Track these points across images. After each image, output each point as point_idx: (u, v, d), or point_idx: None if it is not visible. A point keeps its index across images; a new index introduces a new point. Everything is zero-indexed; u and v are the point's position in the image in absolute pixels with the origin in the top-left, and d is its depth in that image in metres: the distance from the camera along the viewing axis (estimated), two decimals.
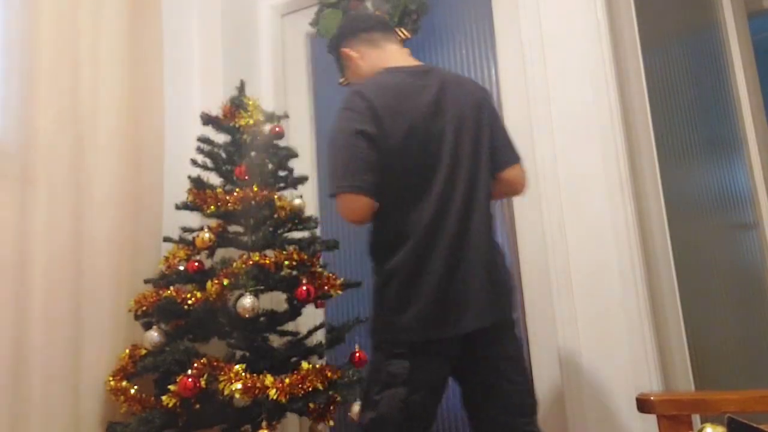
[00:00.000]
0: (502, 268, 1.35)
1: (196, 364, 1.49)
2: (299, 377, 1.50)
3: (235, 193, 1.73)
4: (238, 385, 1.43)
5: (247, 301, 1.55)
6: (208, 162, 1.86)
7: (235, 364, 1.49)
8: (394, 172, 1.26)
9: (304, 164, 2.24)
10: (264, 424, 1.47)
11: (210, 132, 1.90)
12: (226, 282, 1.58)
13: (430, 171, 1.28)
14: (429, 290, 1.22)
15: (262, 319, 1.69)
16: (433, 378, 1.25)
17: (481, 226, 1.30)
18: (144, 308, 1.65)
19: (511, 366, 1.32)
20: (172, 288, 1.64)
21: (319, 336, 1.86)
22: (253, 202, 1.74)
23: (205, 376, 1.47)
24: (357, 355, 1.73)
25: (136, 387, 1.61)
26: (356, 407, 1.60)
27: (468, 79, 1.50)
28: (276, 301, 1.89)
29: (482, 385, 1.31)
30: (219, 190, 1.75)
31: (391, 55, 1.44)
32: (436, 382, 1.27)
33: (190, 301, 1.59)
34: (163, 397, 1.48)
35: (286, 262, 1.65)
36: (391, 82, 1.32)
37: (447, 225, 1.26)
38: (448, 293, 1.23)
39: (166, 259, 1.75)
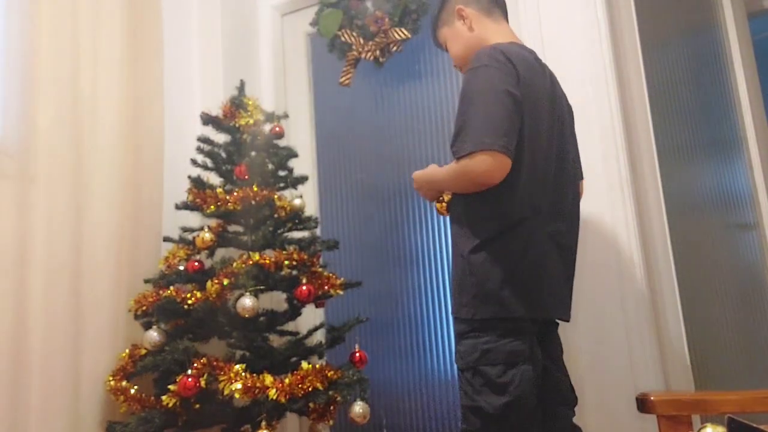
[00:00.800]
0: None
1: (195, 364, 1.48)
2: (299, 377, 1.50)
3: (235, 193, 1.73)
4: (238, 385, 1.43)
5: (247, 301, 1.55)
6: (208, 162, 1.86)
7: (235, 364, 1.49)
8: (525, 148, 1.17)
9: (304, 164, 2.24)
10: (264, 424, 1.46)
11: (210, 132, 1.90)
12: (226, 282, 1.58)
13: (548, 157, 1.23)
14: (537, 273, 1.19)
15: (262, 319, 1.69)
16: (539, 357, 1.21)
17: (576, 227, 1.32)
18: (144, 308, 1.65)
19: (557, 363, 1.35)
20: (172, 288, 1.64)
21: (319, 336, 1.86)
22: (253, 202, 1.74)
23: (205, 376, 1.47)
24: (357, 355, 1.73)
25: (135, 387, 1.61)
26: (356, 407, 1.60)
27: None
28: (276, 301, 1.89)
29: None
30: (219, 190, 1.75)
31: (505, 31, 1.34)
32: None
33: (190, 301, 1.58)
34: (163, 397, 1.48)
35: (286, 262, 1.65)
36: (524, 55, 1.22)
37: (559, 217, 1.25)
38: (545, 279, 1.20)
39: (166, 259, 1.75)
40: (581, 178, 1.45)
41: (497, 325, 1.15)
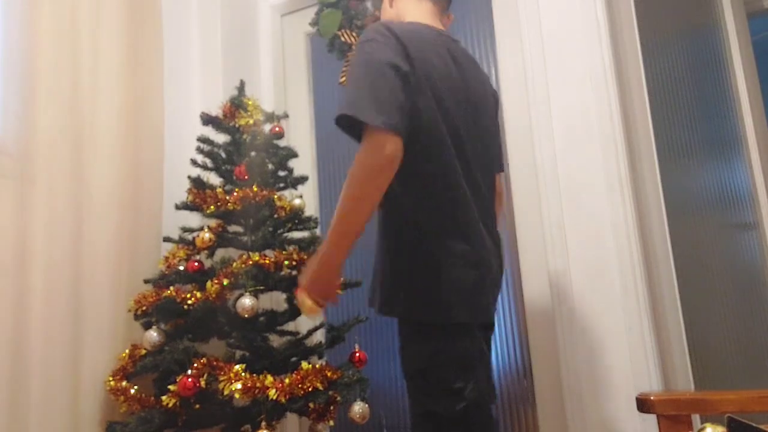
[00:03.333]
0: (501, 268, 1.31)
1: (195, 364, 1.49)
2: (299, 377, 1.50)
3: (235, 193, 1.73)
4: (238, 385, 1.43)
5: (247, 301, 1.55)
6: (208, 162, 1.86)
7: (235, 364, 1.49)
8: (423, 124, 1.09)
9: (304, 164, 2.25)
10: (264, 424, 1.46)
11: (210, 132, 1.90)
12: (225, 282, 1.58)
13: (456, 139, 1.14)
14: (471, 274, 1.12)
15: (261, 319, 1.69)
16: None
17: (493, 217, 1.26)
18: (144, 308, 1.65)
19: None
20: (171, 288, 1.64)
21: (319, 336, 1.86)
22: (253, 202, 1.74)
23: (205, 376, 1.47)
24: (357, 355, 1.73)
25: (135, 387, 1.61)
26: (356, 407, 1.60)
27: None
28: (276, 301, 1.89)
29: None
30: (219, 190, 1.75)
31: (423, 11, 1.28)
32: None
33: (189, 301, 1.58)
34: (163, 397, 1.48)
35: (286, 262, 1.65)
36: (421, 33, 1.17)
37: (478, 209, 1.17)
38: (485, 279, 1.15)
39: (166, 259, 1.75)
40: (498, 170, 1.36)
41: (435, 330, 1.11)
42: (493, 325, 1.29)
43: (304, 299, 1.15)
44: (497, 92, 1.38)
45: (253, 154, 1.88)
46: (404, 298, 1.12)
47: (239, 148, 1.86)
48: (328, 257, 1.09)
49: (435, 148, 1.12)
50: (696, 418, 1.49)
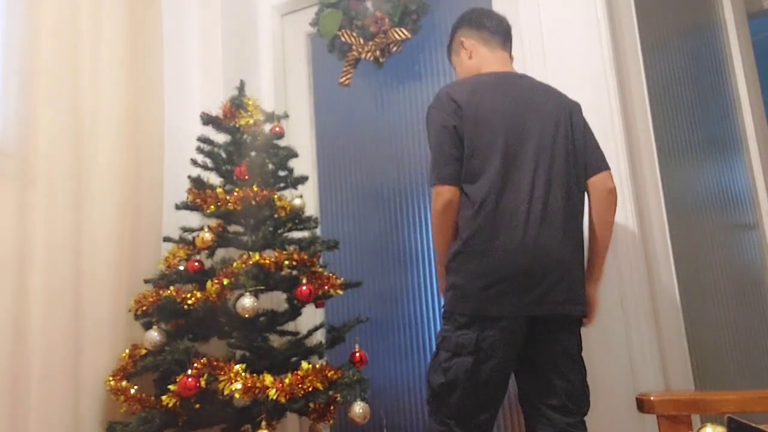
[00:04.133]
0: (573, 265, 1.36)
1: (196, 364, 1.48)
2: (299, 377, 1.50)
3: (235, 193, 1.73)
4: (238, 385, 1.43)
5: (247, 301, 1.55)
6: (208, 162, 1.86)
7: (235, 364, 1.49)
8: (475, 153, 1.36)
9: (304, 164, 2.24)
10: (264, 424, 1.46)
11: (210, 132, 1.90)
12: (226, 282, 1.58)
13: (510, 160, 1.36)
14: (498, 268, 1.30)
15: (262, 319, 1.69)
16: (499, 353, 1.30)
17: (557, 221, 1.35)
18: (144, 308, 1.65)
19: (557, 366, 1.35)
20: (172, 288, 1.64)
21: (319, 336, 1.86)
22: (253, 202, 1.74)
23: (205, 376, 1.47)
24: (357, 355, 1.73)
25: (136, 387, 1.61)
26: (356, 407, 1.60)
27: (556, 90, 1.54)
28: (276, 301, 1.89)
29: (535, 377, 1.36)
30: (219, 190, 1.75)
31: (498, 59, 1.52)
32: (501, 360, 1.31)
33: (190, 301, 1.58)
34: (163, 397, 1.48)
35: (286, 262, 1.65)
36: (477, 80, 1.45)
37: (528, 210, 1.33)
38: (516, 275, 1.29)
39: (166, 259, 1.75)
40: (605, 168, 1.45)
41: (450, 317, 1.35)
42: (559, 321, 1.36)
43: None
44: (575, 102, 1.53)
45: (253, 154, 1.88)
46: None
47: (239, 148, 1.86)
48: (437, 265, 1.47)
49: (480, 170, 1.36)
50: (696, 418, 1.49)
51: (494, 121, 1.37)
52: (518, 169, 1.35)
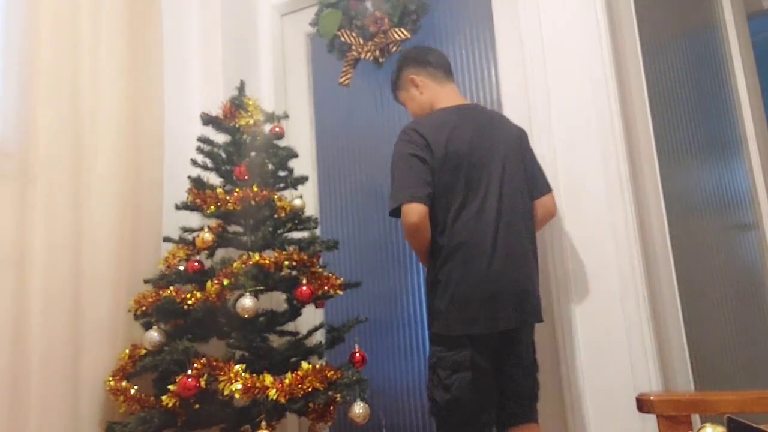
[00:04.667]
0: (531, 279, 1.51)
1: (195, 364, 1.48)
2: (299, 377, 1.50)
3: (235, 193, 1.73)
4: (238, 385, 1.43)
5: (247, 301, 1.55)
6: (208, 162, 1.86)
7: (235, 364, 1.49)
8: (444, 189, 1.46)
9: (304, 164, 2.25)
10: (263, 424, 1.46)
11: (210, 132, 1.90)
12: (226, 282, 1.58)
13: (474, 191, 1.47)
14: (477, 292, 1.42)
15: (261, 319, 1.69)
16: (486, 364, 1.45)
17: (518, 239, 1.49)
18: (144, 308, 1.65)
19: (520, 371, 1.52)
20: (171, 288, 1.64)
21: (319, 336, 1.86)
22: (253, 202, 1.74)
23: (205, 376, 1.47)
24: (357, 355, 1.73)
25: (135, 387, 1.61)
26: (356, 407, 1.60)
27: (506, 118, 1.68)
28: (276, 301, 1.89)
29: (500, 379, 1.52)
30: (219, 190, 1.75)
31: (448, 93, 1.64)
32: (488, 368, 1.46)
33: (189, 301, 1.58)
34: (163, 397, 1.48)
35: (286, 263, 1.65)
36: (439, 120, 1.54)
37: (494, 234, 1.45)
38: (490, 295, 1.43)
39: (166, 259, 1.75)
40: (548, 191, 1.63)
41: (440, 340, 1.46)
42: (506, 334, 1.49)
43: None
44: (524, 130, 1.67)
45: (253, 154, 1.88)
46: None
47: (239, 148, 1.86)
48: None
49: (448, 203, 1.47)
50: (696, 418, 1.49)
51: (460, 156, 1.48)
52: (485, 199, 1.47)
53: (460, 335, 1.42)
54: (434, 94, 1.64)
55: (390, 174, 1.51)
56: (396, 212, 1.47)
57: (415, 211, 1.42)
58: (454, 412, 1.42)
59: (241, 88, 1.95)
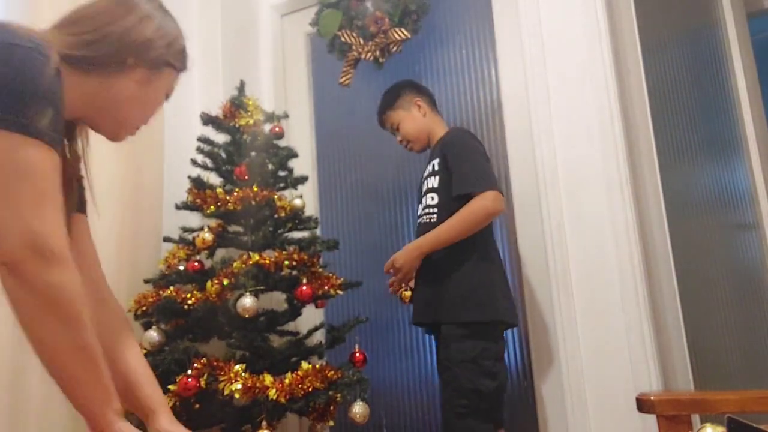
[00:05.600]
0: None
1: (195, 364, 1.49)
2: (299, 377, 1.50)
3: (235, 193, 1.73)
4: (238, 385, 1.43)
5: (247, 301, 1.55)
6: (208, 162, 1.86)
7: (235, 364, 1.49)
8: None
9: (304, 164, 2.24)
10: (264, 424, 1.46)
11: (210, 132, 1.90)
12: (226, 282, 1.58)
13: None
14: (507, 286, 1.61)
15: (262, 319, 1.69)
16: None
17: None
18: (144, 308, 1.65)
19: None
20: (172, 288, 1.64)
21: (319, 336, 1.86)
22: (253, 202, 1.74)
23: (205, 376, 1.47)
24: (357, 355, 1.73)
25: None
26: (356, 407, 1.60)
27: None
28: (276, 301, 1.89)
29: None
30: (219, 190, 1.75)
31: (442, 121, 1.83)
32: None
33: (190, 301, 1.58)
34: None
35: (286, 262, 1.65)
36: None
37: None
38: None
39: (166, 259, 1.75)
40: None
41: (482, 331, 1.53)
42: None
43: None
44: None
45: (253, 154, 1.88)
46: None
47: (239, 148, 1.86)
48: (428, 246, 1.60)
49: None
50: (696, 418, 1.49)
51: None
52: None
53: (496, 323, 1.54)
54: (435, 123, 1.79)
55: (462, 158, 1.61)
56: (465, 196, 1.56)
57: (501, 202, 1.56)
58: (496, 399, 1.51)
59: (241, 88, 1.95)
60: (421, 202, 1.73)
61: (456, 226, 1.55)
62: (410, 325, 1.94)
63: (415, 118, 1.78)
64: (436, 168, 1.67)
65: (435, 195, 1.65)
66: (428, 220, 1.64)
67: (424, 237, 1.61)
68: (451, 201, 1.59)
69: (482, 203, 1.53)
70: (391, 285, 1.70)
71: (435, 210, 1.64)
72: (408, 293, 1.70)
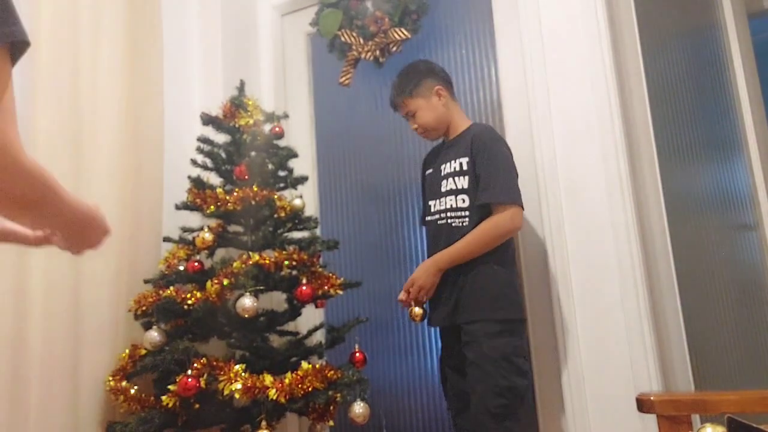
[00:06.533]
0: None
1: (195, 364, 1.48)
2: (299, 377, 1.50)
3: (235, 193, 1.73)
4: (238, 385, 1.43)
5: (247, 301, 1.55)
6: (208, 162, 1.86)
7: (235, 364, 1.49)
8: None
9: (304, 164, 2.24)
10: (264, 424, 1.46)
11: (210, 132, 1.90)
12: (226, 282, 1.58)
13: None
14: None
15: (262, 319, 1.69)
16: None
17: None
18: (144, 308, 1.65)
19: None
20: (172, 288, 1.64)
21: (319, 336, 1.86)
22: (253, 202, 1.74)
23: (205, 376, 1.47)
24: (357, 355, 1.73)
25: (135, 387, 1.60)
26: (356, 407, 1.60)
27: None
28: (276, 301, 1.89)
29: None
30: (219, 190, 1.75)
31: (462, 112, 1.79)
32: None
33: (190, 301, 1.58)
34: (163, 397, 1.48)
35: (286, 262, 1.65)
36: None
37: None
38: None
39: (166, 259, 1.75)
40: None
41: (513, 327, 1.55)
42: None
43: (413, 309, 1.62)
44: None
45: (253, 154, 1.88)
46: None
47: (239, 148, 1.86)
48: (446, 263, 1.59)
49: None
50: (696, 419, 1.49)
51: None
52: None
53: (523, 320, 1.61)
54: (455, 111, 1.74)
55: (491, 165, 1.58)
56: (487, 204, 1.57)
57: (520, 219, 1.58)
58: (526, 396, 1.53)
59: (241, 88, 1.95)
60: (438, 199, 1.66)
61: (474, 242, 1.55)
62: (410, 324, 1.94)
63: (435, 108, 1.71)
64: (465, 167, 1.61)
65: (466, 197, 1.60)
66: (460, 224, 1.60)
67: (442, 254, 1.59)
68: (478, 206, 1.58)
69: (500, 221, 1.54)
70: (403, 300, 1.64)
71: (467, 214, 1.59)
72: (419, 311, 1.62)
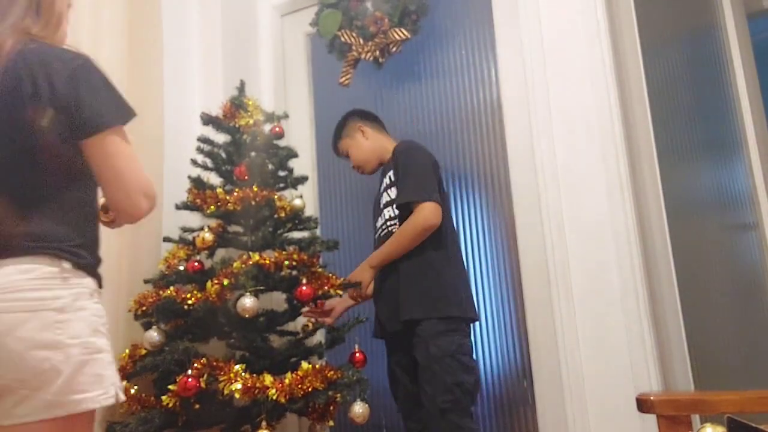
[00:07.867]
0: None
1: (195, 364, 1.48)
2: (299, 377, 1.50)
3: (235, 193, 1.73)
4: (238, 385, 1.43)
5: (247, 301, 1.55)
6: (208, 162, 1.86)
7: (235, 364, 1.49)
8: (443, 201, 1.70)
9: (304, 164, 2.24)
10: (264, 424, 1.46)
11: (210, 132, 1.90)
12: (226, 282, 1.58)
13: (449, 210, 1.78)
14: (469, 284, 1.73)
15: (261, 319, 1.69)
16: None
17: None
18: (144, 308, 1.65)
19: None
20: (172, 288, 1.64)
21: (319, 336, 1.86)
22: (253, 202, 1.74)
23: (205, 376, 1.47)
24: (357, 355, 1.73)
25: (136, 387, 1.60)
26: (356, 407, 1.60)
27: None
28: (276, 301, 1.89)
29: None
30: (219, 190, 1.75)
31: (387, 138, 1.90)
32: None
33: (190, 301, 1.58)
34: (163, 397, 1.48)
35: (286, 263, 1.65)
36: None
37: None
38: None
39: (166, 259, 1.75)
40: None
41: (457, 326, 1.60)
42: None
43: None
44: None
45: (253, 154, 1.88)
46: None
47: (239, 148, 1.86)
48: (377, 262, 1.72)
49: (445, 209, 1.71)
50: (696, 419, 1.49)
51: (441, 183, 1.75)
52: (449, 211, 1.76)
53: (467, 319, 1.62)
54: (384, 141, 1.87)
55: (404, 169, 1.68)
56: (406, 205, 1.63)
57: (436, 214, 1.61)
58: (474, 394, 1.57)
59: (241, 88, 1.95)
60: (380, 215, 1.78)
61: (396, 241, 1.65)
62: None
63: (360, 144, 1.86)
64: (393, 179, 1.73)
65: (394, 207, 1.72)
66: (393, 231, 1.70)
67: (373, 255, 1.72)
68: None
69: (419, 218, 1.60)
70: (352, 298, 1.79)
71: (395, 222, 1.70)
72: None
